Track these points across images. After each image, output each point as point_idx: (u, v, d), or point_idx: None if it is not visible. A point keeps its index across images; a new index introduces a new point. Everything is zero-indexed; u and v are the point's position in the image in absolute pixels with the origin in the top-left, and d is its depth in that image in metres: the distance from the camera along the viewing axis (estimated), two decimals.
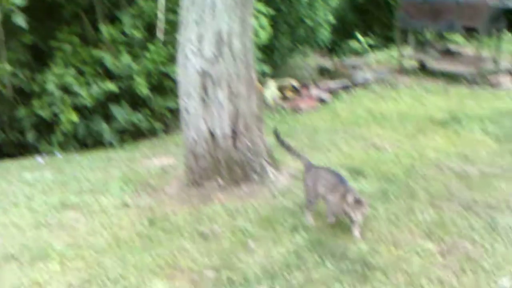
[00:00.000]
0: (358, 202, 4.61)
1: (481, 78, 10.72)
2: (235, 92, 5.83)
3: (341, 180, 4.87)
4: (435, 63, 12.10)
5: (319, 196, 4.95)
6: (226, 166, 5.94)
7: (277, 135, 5.43)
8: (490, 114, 8.77)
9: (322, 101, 10.30)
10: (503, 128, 8.06)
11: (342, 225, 5.09)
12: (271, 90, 10.59)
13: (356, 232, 4.76)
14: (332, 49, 14.48)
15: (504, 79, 10.64)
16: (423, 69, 11.95)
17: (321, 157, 6.94)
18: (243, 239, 5.01)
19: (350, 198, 4.62)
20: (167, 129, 9.44)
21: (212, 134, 5.87)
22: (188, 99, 5.88)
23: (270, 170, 6.15)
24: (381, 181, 6.08)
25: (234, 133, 5.90)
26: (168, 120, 9.43)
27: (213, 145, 5.90)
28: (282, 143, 5.40)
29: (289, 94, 10.81)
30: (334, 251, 4.68)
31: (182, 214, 5.52)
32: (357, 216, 4.65)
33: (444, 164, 6.61)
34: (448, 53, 11.92)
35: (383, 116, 8.98)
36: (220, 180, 5.95)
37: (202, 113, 5.83)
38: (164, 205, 5.78)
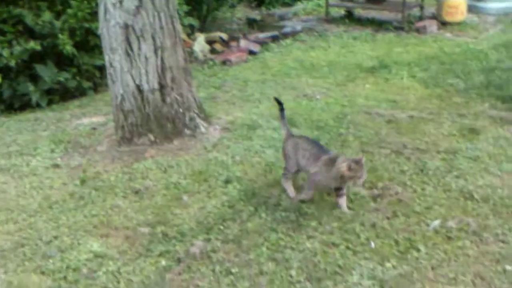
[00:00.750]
0: (357, 163, 4.18)
1: (408, 24, 10.84)
2: (160, 45, 5.67)
3: (322, 149, 4.53)
4: (362, 11, 12.14)
5: (301, 167, 4.57)
6: (156, 121, 5.81)
7: (279, 102, 4.88)
8: (417, 59, 8.91)
9: (251, 53, 10.19)
10: (430, 72, 8.22)
11: (274, 175, 5.09)
12: (199, 43, 10.40)
13: (345, 206, 4.44)
14: (261, 1, 14.29)
15: (430, 24, 10.80)
16: (351, 17, 11.98)
17: (253, 109, 6.88)
18: (177, 193, 4.94)
19: (345, 166, 4.18)
20: (96, 88, 9.16)
21: (139, 89, 5.71)
22: (113, 54, 5.68)
23: (201, 123, 6.07)
24: (312, 129, 6.09)
25: (162, 87, 5.75)
26: (96, 79, 9.13)
27: (141, 100, 5.74)
28: (281, 110, 4.86)
29: (218, 47, 10.64)
30: (268, 201, 4.68)
31: (114, 172, 5.39)
32: (358, 182, 4.28)
33: (374, 110, 6.68)
34: (374, 0, 11.98)
35: (313, 66, 8.98)
36: (151, 136, 5.82)
37: (127, 68, 5.65)
38: (95, 164, 5.62)
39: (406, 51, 9.50)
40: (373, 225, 4.30)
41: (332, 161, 4.26)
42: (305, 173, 4.55)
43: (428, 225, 4.31)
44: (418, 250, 4.03)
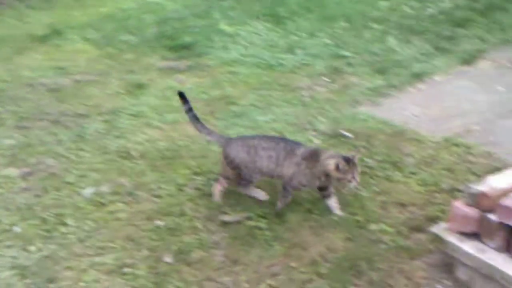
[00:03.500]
0: (347, 162, 3.44)
1: None
2: None
3: (291, 142, 3.70)
4: None
5: (267, 173, 3.68)
6: None
7: (182, 96, 3.90)
8: (93, 20, 8.52)
9: None
10: (103, 32, 7.91)
11: None
12: None
13: (336, 207, 3.70)
14: None
15: None
16: None
17: None
18: None
19: (332, 164, 3.44)
20: None
21: None
22: None
23: None
24: None
25: None
26: None
27: None
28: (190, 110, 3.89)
29: None
30: None
31: None
32: (349, 186, 3.53)
33: (38, 81, 6.20)
34: None
35: None
36: None
37: None
38: None
39: (84, 13, 9.03)
40: (20, 208, 3.86)
41: (314, 156, 3.52)
42: (274, 178, 3.72)
43: (79, 193, 3.99)
44: (66, 225, 3.72)
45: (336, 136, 4.53)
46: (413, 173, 3.95)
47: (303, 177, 3.51)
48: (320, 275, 3.19)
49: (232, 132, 4.67)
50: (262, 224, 3.60)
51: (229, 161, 3.67)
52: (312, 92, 5.43)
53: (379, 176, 3.97)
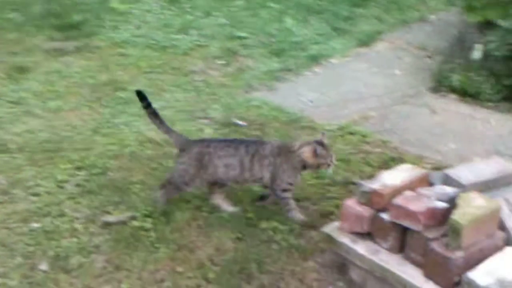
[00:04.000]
0: (322, 145, 3.21)
1: None
2: None
3: (252, 142, 3.37)
4: None
5: (228, 181, 3.34)
6: None
7: (142, 96, 3.46)
8: None
9: None
10: None
11: None
12: None
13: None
14: None
15: None
16: None
17: None
18: None
19: (308, 151, 3.20)
20: None
21: None
22: None
23: None
24: None
25: None
26: None
27: None
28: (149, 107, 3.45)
29: None
30: None
31: None
32: (332, 164, 3.25)
33: None
34: None
35: None
36: None
37: None
38: None
39: None
40: None
41: (284, 149, 3.24)
42: (243, 184, 3.41)
43: None
44: None
45: (228, 125, 4.26)
46: None
47: (285, 175, 3.22)
48: (208, 280, 2.94)
49: (119, 121, 4.31)
50: (148, 224, 3.30)
51: (180, 164, 3.35)
52: (206, 76, 5.15)
53: None
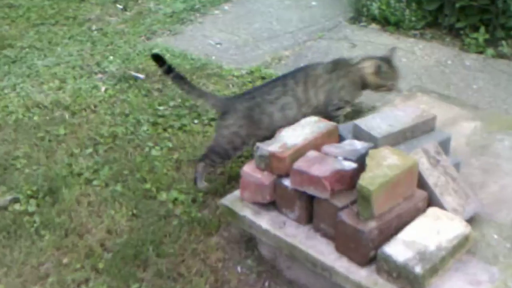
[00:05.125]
0: (388, 62, 2.88)
1: None
2: None
3: (299, 69, 2.91)
4: None
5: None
6: None
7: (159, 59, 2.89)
8: None
9: None
10: None
11: None
12: None
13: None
14: None
15: None
16: None
17: None
18: None
19: (372, 67, 2.84)
20: None
21: None
22: None
23: None
24: None
25: None
26: None
27: None
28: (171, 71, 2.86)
29: None
30: None
31: None
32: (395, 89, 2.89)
33: None
34: None
35: None
36: None
37: None
38: None
39: None
40: None
41: (340, 65, 2.86)
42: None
43: None
44: None
45: (126, 79, 3.76)
46: (212, 119, 3.31)
47: (342, 91, 2.83)
48: (98, 271, 2.52)
49: (4, 84, 3.77)
50: (32, 207, 2.87)
51: (227, 129, 2.79)
52: (103, 24, 4.58)
53: (173, 127, 3.31)
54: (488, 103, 3.46)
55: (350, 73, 2.82)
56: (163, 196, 2.85)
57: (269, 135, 2.52)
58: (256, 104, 2.75)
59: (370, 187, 1.96)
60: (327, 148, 2.25)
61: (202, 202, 2.80)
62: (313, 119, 2.44)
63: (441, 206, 2.13)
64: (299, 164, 2.17)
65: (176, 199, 2.83)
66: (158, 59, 2.88)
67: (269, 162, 2.28)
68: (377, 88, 2.86)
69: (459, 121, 2.80)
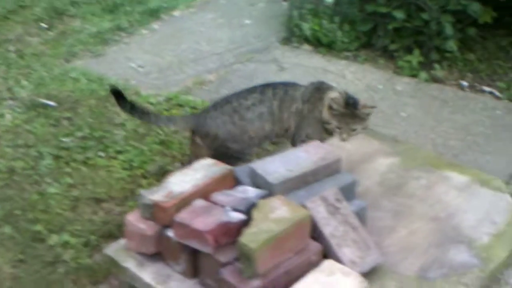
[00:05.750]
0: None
1: None
2: None
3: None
4: None
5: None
6: None
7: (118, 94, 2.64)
8: None
9: None
10: None
11: None
12: None
13: None
14: None
15: None
16: None
17: None
18: None
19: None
20: None
21: None
22: None
23: None
24: None
25: None
26: None
27: None
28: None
29: None
30: None
31: None
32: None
33: None
34: None
35: None
36: None
37: None
38: None
39: None
40: None
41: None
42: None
43: None
44: None
45: (35, 107, 3.49)
46: (119, 152, 3.09)
47: (311, 130, 2.64)
48: None
49: None
50: None
51: (210, 140, 2.61)
52: (22, 45, 4.31)
53: (76, 160, 3.05)
54: (415, 132, 3.28)
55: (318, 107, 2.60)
56: (54, 239, 2.61)
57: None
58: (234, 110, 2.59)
59: (251, 245, 1.76)
60: (216, 196, 2.03)
61: (96, 246, 2.54)
62: (208, 161, 2.22)
63: (338, 259, 1.93)
64: (182, 216, 1.95)
65: (67, 242, 2.57)
66: (117, 94, 2.62)
67: (153, 212, 2.04)
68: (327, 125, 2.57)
69: (376, 157, 2.61)
